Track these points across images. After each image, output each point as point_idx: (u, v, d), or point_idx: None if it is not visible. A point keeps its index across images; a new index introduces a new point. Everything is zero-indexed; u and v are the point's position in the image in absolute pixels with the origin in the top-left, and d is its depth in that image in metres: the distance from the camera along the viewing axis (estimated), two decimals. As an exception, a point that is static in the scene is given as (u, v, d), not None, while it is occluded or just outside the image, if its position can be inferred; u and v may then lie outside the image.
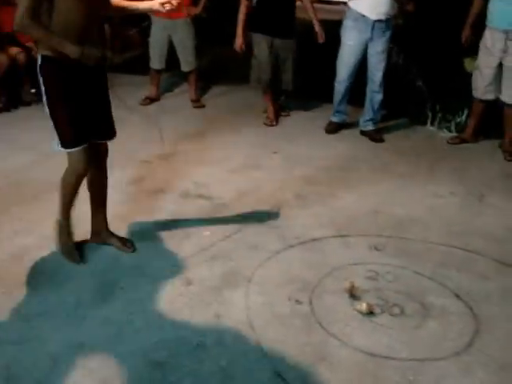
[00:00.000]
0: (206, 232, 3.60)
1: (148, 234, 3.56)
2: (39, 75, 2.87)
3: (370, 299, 2.95)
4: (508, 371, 2.53)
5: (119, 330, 2.71)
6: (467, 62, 5.04)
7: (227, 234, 3.58)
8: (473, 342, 2.69)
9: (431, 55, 5.80)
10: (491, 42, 4.80)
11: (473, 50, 4.99)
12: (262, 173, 4.54)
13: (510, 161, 4.90)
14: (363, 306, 2.86)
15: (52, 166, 4.39)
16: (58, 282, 3.06)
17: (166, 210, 3.89)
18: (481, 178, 4.54)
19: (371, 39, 5.02)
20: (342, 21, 5.14)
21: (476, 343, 2.68)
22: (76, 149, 2.93)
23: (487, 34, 4.84)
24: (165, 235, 3.55)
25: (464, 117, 5.51)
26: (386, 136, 5.39)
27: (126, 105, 5.96)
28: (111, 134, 3.17)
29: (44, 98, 2.90)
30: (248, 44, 5.49)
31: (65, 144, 2.93)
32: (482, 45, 4.91)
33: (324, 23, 5.46)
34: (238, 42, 5.41)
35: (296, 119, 5.90)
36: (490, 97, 4.97)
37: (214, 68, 7.15)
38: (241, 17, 5.36)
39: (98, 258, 3.29)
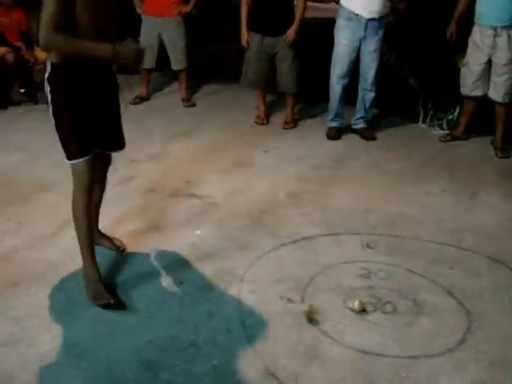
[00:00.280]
0: (197, 231, 3.59)
1: (139, 233, 3.54)
2: (46, 83, 2.73)
3: (363, 297, 2.94)
4: (500, 367, 2.53)
5: (111, 330, 2.70)
6: (459, 59, 5.04)
7: (218, 233, 3.57)
8: (465, 338, 2.70)
9: (423, 53, 5.80)
10: (480, 38, 4.81)
11: (465, 47, 5.00)
12: (253, 171, 4.53)
13: (501, 158, 4.91)
14: (355, 304, 2.85)
15: (41, 166, 4.41)
16: (47, 281, 3.03)
17: (156, 209, 3.87)
18: (473, 175, 4.55)
19: (364, 38, 5.00)
20: (335, 20, 5.09)
21: (468, 340, 2.69)
22: (80, 160, 2.79)
23: (476, 30, 4.85)
24: (155, 235, 3.54)
25: (456, 114, 5.51)
26: (377, 134, 5.38)
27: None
28: (120, 144, 3.06)
29: (50, 108, 2.76)
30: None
31: (69, 155, 2.79)
32: (470, 41, 4.92)
33: (319, 22, 5.39)
34: (244, 37, 5.40)
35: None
36: (478, 93, 4.98)
37: (205, 67, 7.11)
38: (243, 14, 5.36)
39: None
